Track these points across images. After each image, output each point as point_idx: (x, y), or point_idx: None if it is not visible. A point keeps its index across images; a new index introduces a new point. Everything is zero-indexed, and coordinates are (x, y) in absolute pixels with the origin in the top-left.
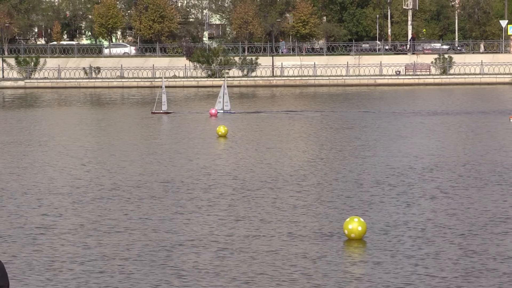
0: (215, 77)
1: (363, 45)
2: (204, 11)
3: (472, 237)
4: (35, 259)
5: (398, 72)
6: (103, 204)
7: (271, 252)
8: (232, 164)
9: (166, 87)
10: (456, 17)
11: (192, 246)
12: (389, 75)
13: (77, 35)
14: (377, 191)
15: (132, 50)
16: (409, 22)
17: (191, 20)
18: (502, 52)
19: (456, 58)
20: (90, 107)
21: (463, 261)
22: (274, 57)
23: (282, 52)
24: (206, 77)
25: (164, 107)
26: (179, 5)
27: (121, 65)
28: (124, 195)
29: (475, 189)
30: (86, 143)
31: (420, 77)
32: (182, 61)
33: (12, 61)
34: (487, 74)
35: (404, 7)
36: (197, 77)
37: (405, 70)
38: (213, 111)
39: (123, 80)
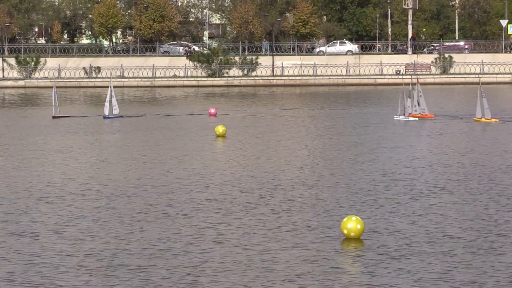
0: (215, 77)
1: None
2: (204, 10)
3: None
4: None
5: (398, 72)
6: (82, 203)
7: (264, 254)
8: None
9: (166, 87)
10: (456, 17)
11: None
12: (389, 75)
13: (77, 35)
14: (363, 195)
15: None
16: (409, 22)
17: (191, 19)
18: (502, 52)
19: (456, 57)
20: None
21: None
22: (274, 57)
23: (266, 52)
24: (206, 77)
25: (57, 111)
26: (179, 4)
27: (121, 65)
28: (91, 195)
29: (464, 192)
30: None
31: (420, 76)
32: (182, 61)
33: (12, 60)
34: (487, 73)
35: (404, 7)
36: (197, 77)
37: (405, 69)
38: (212, 110)
39: (123, 79)
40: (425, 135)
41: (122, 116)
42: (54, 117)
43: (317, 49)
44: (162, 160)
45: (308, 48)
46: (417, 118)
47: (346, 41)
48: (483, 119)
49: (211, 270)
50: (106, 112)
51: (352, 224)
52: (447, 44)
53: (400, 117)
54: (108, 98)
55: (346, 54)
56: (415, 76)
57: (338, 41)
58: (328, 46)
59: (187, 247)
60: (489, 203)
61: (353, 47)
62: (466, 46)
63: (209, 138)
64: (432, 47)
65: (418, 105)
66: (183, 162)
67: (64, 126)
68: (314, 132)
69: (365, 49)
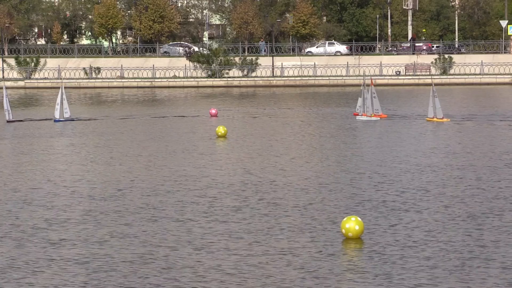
0: (215, 77)
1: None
2: (204, 11)
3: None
4: None
5: (398, 72)
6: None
7: (250, 259)
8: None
9: (166, 87)
10: (456, 17)
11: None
12: (389, 75)
13: (77, 35)
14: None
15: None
16: (409, 22)
17: (191, 20)
18: (502, 52)
19: (456, 58)
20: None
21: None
22: (274, 57)
23: (263, 52)
24: (206, 77)
25: (10, 116)
26: (179, 5)
27: (121, 65)
28: (74, 198)
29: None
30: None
31: (420, 77)
32: (182, 61)
33: (12, 61)
34: (487, 74)
35: (404, 7)
36: (197, 77)
37: (405, 70)
38: (213, 111)
39: (123, 80)
40: (401, 135)
41: (73, 119)
42: (8, 121)
43: (306, 50)
44: (144, 161)
45: (297, 48)
46: (379, 118)
47: (335, 42)
48: (435, 119)
49: (194, 275)
50: (57, 115)
51: (349, 224)
52: (405, 45)
53: (362, 117)
54: (58, 101)
55: (335, 54)
56: (369, 77)
57: (327, 42)
58: (317, 47)
59: (170, 252)
60: (478, 206)
61: (341, 48)
62: (424, 47)
63: (190, 140)
64: (391, 48)
65: (371, 105)
66: (165, 164)
67: (17, 130)
68: (304, 132)
69: (365, 50)
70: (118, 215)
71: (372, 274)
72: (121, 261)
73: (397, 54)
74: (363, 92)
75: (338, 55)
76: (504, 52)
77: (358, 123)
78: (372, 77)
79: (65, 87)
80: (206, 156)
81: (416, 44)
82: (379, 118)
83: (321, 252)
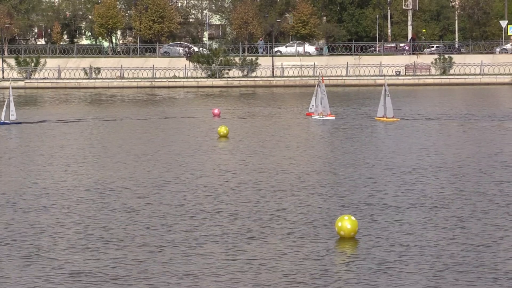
0: (215, 77)
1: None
2: (204, 11)
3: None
4: None
5: (398, 73)
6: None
7: (233, 263)
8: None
9: (166, 88)
10: (456, 18)
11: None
12: (389, 76)
13: (77, 36)
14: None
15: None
16: (409, 23)
17: (191, 20)
18: (501, 53)
19: (456, 58)
20: None
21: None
22: (274, 58)
23: (262, 52)
24: (206, 77)
25: None
26: (179, 5)
27: (121, 65)
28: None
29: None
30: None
31: (420, 77)
32: (182, 62)
33: (12, 61)
34: (487, 74)
35: (404, 7)
36: (197, 77)
37: (405, 70)
38: (216, 111)
39: (123, 80)
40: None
41: (20, 123)
42: None
43: (275, 49)
44: (133, 163)
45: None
46: (334, 117)
47: (304, 43)
48: (384, 118)
49: (173, 280)
50: (2, 118)
51: (341, 223)
52: (388, 45)
53: (318, 116)
54: (6, 103)
55: (303, 55)
56: (321, 77)
57: (296, 42)
58: (286, 47)
59: (149, 257)
60: (463, 208)
61: (311, 48)
62: (407, 48)
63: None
64: (373, 48)
65: (320, 104)
66: (155, 166)
67: None
68: (294, 133)
69: (364, 50)
70: (102, 218)
71: (357, 279)
72: (100, 265)
73: (386, 54)
74: (316, 90)
75: (307, 55)
76: (501, 52)
77: (344, 125)
78: (372, 77)
79: (66, 87)
80: (197, 157)
81: (400, 44)
82: (333, 118)
83: (306, 257)
